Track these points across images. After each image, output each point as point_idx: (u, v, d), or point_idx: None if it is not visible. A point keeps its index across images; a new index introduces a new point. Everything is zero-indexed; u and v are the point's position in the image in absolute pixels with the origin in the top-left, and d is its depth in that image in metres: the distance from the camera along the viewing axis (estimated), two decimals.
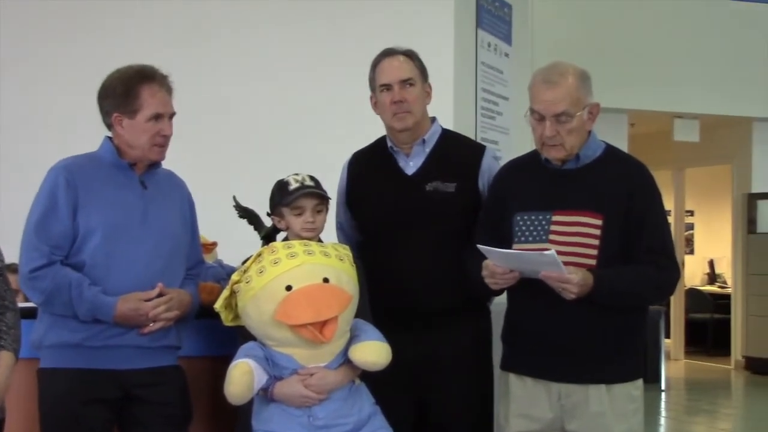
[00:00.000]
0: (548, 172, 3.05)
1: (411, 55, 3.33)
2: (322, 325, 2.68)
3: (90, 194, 2.91)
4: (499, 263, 2.90)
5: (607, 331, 2.94)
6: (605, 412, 2.94)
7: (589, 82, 3.00)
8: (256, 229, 3.60)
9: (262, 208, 3.28)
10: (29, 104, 5.88)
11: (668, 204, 11.27)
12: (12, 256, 2.93)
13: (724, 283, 12.96)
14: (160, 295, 2.91)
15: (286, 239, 3.10)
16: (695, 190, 13.29)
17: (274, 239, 3.26)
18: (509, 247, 2.98)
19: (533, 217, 2.99)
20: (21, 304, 2.90)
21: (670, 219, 11.60)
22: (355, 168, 3.45)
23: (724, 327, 11.41)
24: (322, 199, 3.07)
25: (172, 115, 3.01)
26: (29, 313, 2.94)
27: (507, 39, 6.77)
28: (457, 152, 3.37)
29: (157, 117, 2.96)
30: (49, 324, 2.90)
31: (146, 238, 2.94)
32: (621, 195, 2.95)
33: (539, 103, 2.95)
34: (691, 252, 13.95)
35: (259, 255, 2.82)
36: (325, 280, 2.75)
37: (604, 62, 8.02)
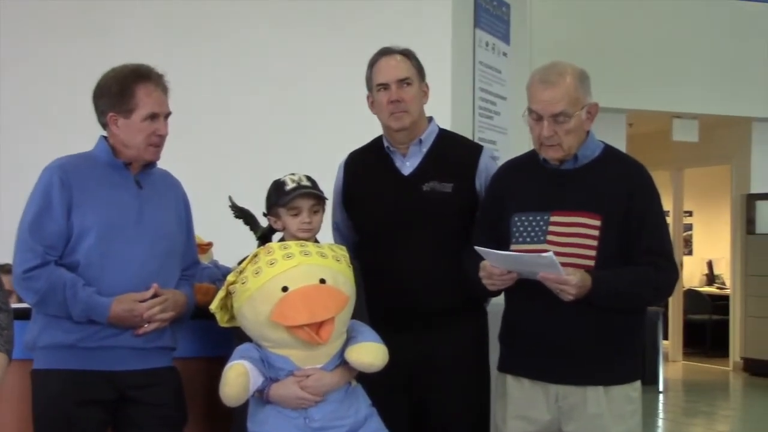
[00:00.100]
0: (546, 172, 3.04)
1: (408, 55, 3.32)
2: (318, 326, 2.67)
3: (85, 194, 2.89)
4: (496, 264, 2.88)
5: (605, 332, 2.93)
6: (603, 414, 2.93)
7: (588, 82, 2.99)
8: (252, 229, 3.59)
9: (258, 209, 3.27)
10: (29, 104, 5.88)
11: (667, 204, 11.28)
12: (11, 256, 2.92)
13: (723, 284, 12.95)
14: (155, 295, 2.90)
15: (282, 240, 3.09)
16: (694, 191, 13.28)
17: (270, 240, 3.25)
18: (507, 248, 2.97)
19: (531, 218, 2.98)
20: (14, 305, 2.88)
21: (669, 219, 11.60)
22: (351, 168, 3.44)
23: (723, 328, 11.39)
24: (319, 199, 3.06)
25: (167, 114, 3.00)
26: (23, 314, 2.93)
27: (505, 38, 6.76)
28: (454, 152, 3.36)
29: (153, 116, 2.94)
30: (43, 325, 2.89)
31: (141, 238, 2.93)
32: (620, 195, 2.94)
33: (537, 103, 2.94)
34: (690, 253, 13.95)
35: (255, 255, 2.81)
36: (322, 281, 2.73)
37: (603, 62, 8.02)
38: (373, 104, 3.34)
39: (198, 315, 3.09)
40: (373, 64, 3.32)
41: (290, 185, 3.04)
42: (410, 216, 3.25)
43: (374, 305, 3.04)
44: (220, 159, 5.80)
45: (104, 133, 3.02)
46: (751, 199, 10.53)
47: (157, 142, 2.97)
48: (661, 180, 8.25)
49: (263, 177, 3.20)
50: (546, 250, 2.79)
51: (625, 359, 3.00)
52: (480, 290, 3.03)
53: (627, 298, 2.93)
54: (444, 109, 5.14)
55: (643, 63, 9.09)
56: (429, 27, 5.89)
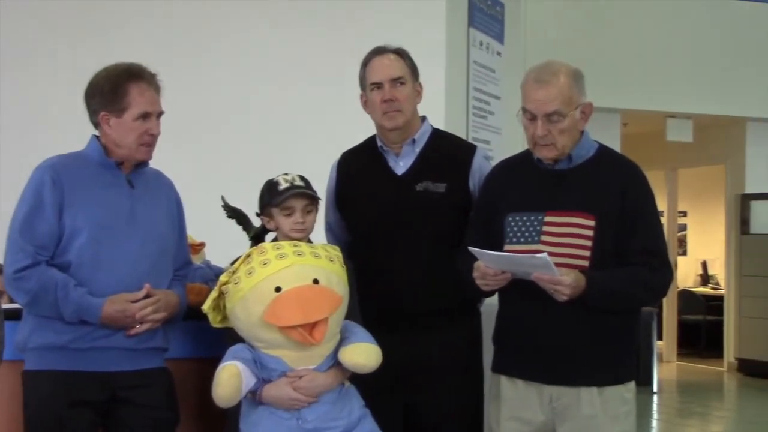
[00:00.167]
0: (540, 172, 3.03)
1: (402, 54, 3.31)
2: (311, 326, 2.66)
3: (76, 193, 2.88)
4: (490, 265, 2.87)
5: (599, 333, 2.92)
6: (597, 415, 2.92)
7: (582, 82, 2.98)
8: (244, 229, 3.58)
9: (251, 208, 3.25)
10: (29, 104, 5.86)
11: (661, 204, 11.26)
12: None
13: (717, 284, 12.96)
14: (147, 296, 2.88)
15: (275, 240, 3.08)
16: (688, 191, 13.29)
17: (263, 240, 3.24)
18: (501, 248, 2.96)
19: (525, 218, 2.96)
20: (6, 306, 2.87)
21: (663, 220, 11.56)
22: (344, 168, 3.43)
23: (717, 329, 11.40)
24: (312, 199, 3.05)
25: (160, 114, 2.99)
26: (14, 315, 2.91)
27: (499, 38, 6.74)
28: (447, 152, 3.35)
29: (145, 116, 2.93)
30: (34, 326, 2.87)
31: (133, 237, 2.91)
32: (614, 195, 2.93)
33: (531, 102, 2.93)
34: (684, 253, 13.96)
35: (248, 256, 2.80)
36: (315, 282, 2.73)
37: (597, 61, 8.01)
38: (366, 103, 3.33)
39: (190, 315, 3.08)
40: (366, 63, 3.31)
41: (283, 185, 3.03)
42: (403, 216, 3.23)
43: (367, 306, 3.03)
44: (213, 159, 5.78)
45: (96, 133, 3.00)
46: (746, 200, 10.55)
47: (149, 142, 2.96)
48: (656, 180, 8.24)
49: (256, 177, 3.19)
50: (540, 251, 2.78)
51: (620, 360, 2.99)
52: (474, 291, 3.02)
53: (621, 299, 2.92)
54: (438, 109, 5.12)
55: (637, 63, 9.10)
56: (423, 26, 5.87)
